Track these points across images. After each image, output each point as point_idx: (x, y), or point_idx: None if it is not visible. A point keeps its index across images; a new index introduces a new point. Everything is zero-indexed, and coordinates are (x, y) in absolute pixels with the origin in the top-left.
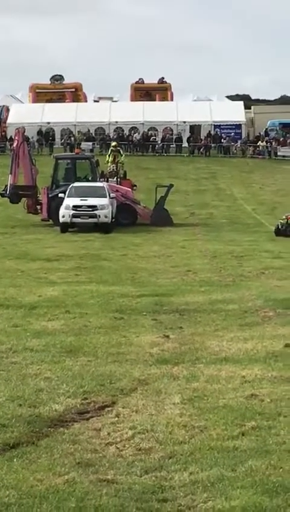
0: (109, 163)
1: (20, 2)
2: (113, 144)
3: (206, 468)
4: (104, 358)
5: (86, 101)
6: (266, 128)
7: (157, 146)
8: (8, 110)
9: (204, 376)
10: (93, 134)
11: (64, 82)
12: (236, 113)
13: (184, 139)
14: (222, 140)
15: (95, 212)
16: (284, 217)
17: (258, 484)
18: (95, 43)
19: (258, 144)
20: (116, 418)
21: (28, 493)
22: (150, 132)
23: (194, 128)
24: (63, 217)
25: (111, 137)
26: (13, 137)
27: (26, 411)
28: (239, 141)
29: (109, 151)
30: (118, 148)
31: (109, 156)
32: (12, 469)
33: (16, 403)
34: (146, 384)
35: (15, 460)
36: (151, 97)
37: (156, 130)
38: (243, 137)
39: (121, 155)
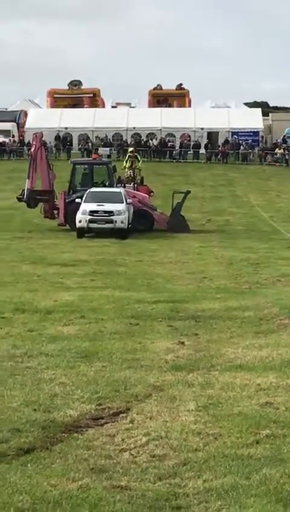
0: (126, 169)
1: (41, 7)
2: (130, 149)
3: (220, 476)
4: (119, 364)
5: (103, 107)
6: (284, 136)
7: (174, 152)
8: (26, 115)
9: (219, 383)
10: (111, 140)
11: (82, 87)
12: (254, 120)
13: (202, 146)
14: (240, 147)
15: (112, 217)
16: None
17: (272, 493)
18: (114, 49)
19: (275, 151)
20: (131, 424)
21: (42, 498)
22: (167, 138)
23: (212, 135)
24: (80, 222)
25: (128, 143)
26: (31, 142)
27: (40, 416)
28: (256, 148)
29: (126, 156)
30: (136, 154)
31: (126, 161)
32: (26, 474)
33: (31, 407)
34: (161, 391)
35: (29, 465)
36: (169, 103)
37: (174, 136)
38: (260, 144)
39: (139, 161)
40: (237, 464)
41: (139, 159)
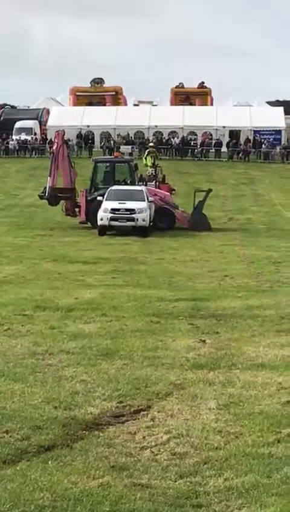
0: (149, 167)
1: (64, 3)
2: (151, 144)
3: (241, 475)
4: (140, 362)
5: (125, 105)
6: None
7: (196, 150)
8: (48, 112)
9: (240, 382)
10: (133, 138)
11: (104, 85)
12: (276, 118)
13: (223, 144)
14: (262, 145)
15: (133, 215)
16: None
17: None
18: (136, 47)
19: None
20: (152, 422)
21: (63, 496)
22: (189, 136)
23: (234, 133)
24: (101, 219)
25: (150, 141)
26: (53, 139)
27: (61, 413)
28: (278, 147)
29: (146, 153)
30: (154, 149)
31: (146, 157)
32: (47, 471)
33: (52, 405)
34: (182, 389)
35: (50, 462)
36: (191, 101)
37: (196, 135)
38: (282, 142)
39: (158, 157)
40: (258, 462)
41: (158, 155)
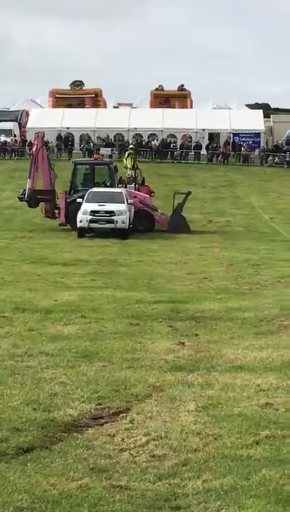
0: (128, 169)
1: (44, 6)
2: (130, 147)
3: (220, 477)
4: (119, 364)
5: (105, 107)
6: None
7: (176, 153)
8: (27, 114)
9: (219, 384)
10: (113, 140)
11: (84, 87)
12: (255, 121)
13: (203, 147)
14: (241, 148)
15: (113, 217)
16: None
17: (271, 493)
18: (116, 49)
19: (276, 153)
20: (131, 424)
21: (41, 498)
22: (169, 139)
23: (213, 136)
24: (81, 221)
25: (130, 143)
26: (32, 141)
27: (40, 415)
28: (258, 150)
29: (126, 154)
30: (134, 151)
31: (126, 159)
32: (25, 473)
33: (31, 407)
34: (161, 391)
35: (28, 464)
36: (170, 104)
37: (175, 137)
38: (261, 145)
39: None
40: (237, 464)
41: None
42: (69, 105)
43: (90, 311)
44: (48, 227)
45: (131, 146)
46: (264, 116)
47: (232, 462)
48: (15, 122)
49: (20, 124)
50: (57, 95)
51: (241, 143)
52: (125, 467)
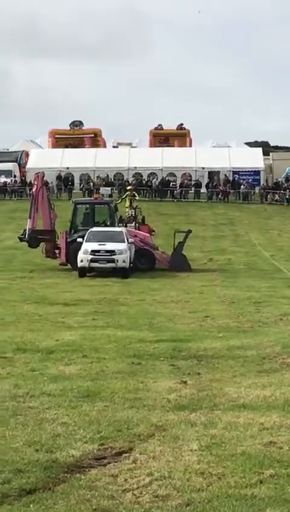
0: (127, 209)
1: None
2: (129, 187)
3: None
4: (122, 404)
5: (105, 147)
6: (288, 175)
7: (175, 192)
8: (27, 155)
9: (222, 423)
10: (112, 180)
11: (83, 127)
12: (255, 159)
13: (203, 185)
14: (241, 186)
15: (113, 257)
16: None
17: None
18: (115, 89)
19: (276, 190)
20: (134, 464)
21: None
22: (168, 178)
23: (213, 174)
24: (81, 261)
25: (130, 182)
26: (32, 182)
27: (43, 456)
28: (257, 188)
29: (124, 194)
30: (134, 192)
31: (124, 199)
32: None
33: (33, 448)
34: (164, 431)
35: (31, 505)
36: (170, 143)
37: (175, 176)
38: (261, 183)
39: (136, 198)
40: (241, 504)
41: (137, 196)
42: (69, 145)
43: (92, 350)
44: (48, 267)
45: (129, 187)
46: (264, 154)
47: (236, 502)
48: (15, 163)
49: (20, 165)
50: (56, 135)
51: (241, 181)
52: (129, 508)
